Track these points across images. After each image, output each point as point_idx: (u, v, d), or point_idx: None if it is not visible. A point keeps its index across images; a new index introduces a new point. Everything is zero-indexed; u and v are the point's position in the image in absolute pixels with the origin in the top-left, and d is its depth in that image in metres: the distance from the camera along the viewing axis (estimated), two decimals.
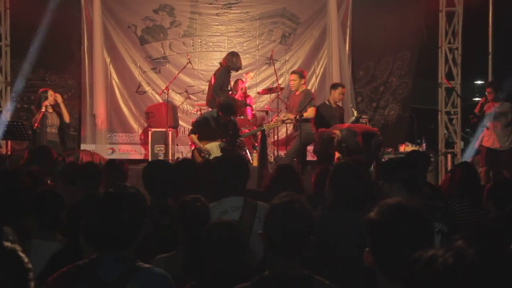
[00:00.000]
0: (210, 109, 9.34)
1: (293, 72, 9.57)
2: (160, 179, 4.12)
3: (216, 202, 3.65)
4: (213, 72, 10.13)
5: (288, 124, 10.85)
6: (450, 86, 11.17)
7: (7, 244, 1.69)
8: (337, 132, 8.52)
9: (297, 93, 9.34)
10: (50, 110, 9.14)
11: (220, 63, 10.03)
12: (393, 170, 3.60)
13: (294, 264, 2.47)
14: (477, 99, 20.27)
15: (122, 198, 2.45)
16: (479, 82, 19.02)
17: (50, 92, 9.26)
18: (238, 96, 9.93)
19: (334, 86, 9.73)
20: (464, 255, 1.35)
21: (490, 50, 11.01)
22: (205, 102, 10.21)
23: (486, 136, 9.74)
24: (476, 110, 9.87)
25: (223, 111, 8.29)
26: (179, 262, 3.23)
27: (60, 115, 9.18)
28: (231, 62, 9.85)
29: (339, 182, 3.60)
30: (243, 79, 10.42)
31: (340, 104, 9.73)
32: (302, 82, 9.33)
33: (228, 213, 3.55)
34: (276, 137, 10.40)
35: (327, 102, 9.63)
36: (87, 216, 2.51)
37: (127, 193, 2.48)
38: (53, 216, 3.55)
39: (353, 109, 10.30)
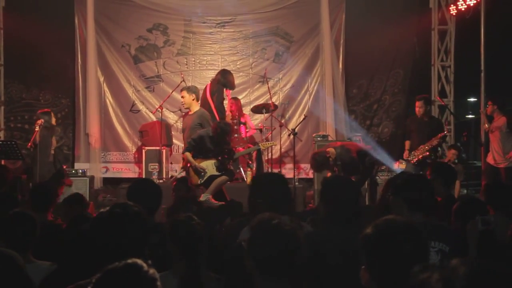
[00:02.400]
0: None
1: (183, 89, 9.16)
2: (146, 196, 4.14)
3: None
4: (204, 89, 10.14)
5: (282, 142, 10.86)
6: (443, 103, 11.20)
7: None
8: (331, 150, 8.44)
9: (190, 113, 9.12)
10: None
11: (213, 80, 10.04)
12: (397, 187, 3.49)
13: (281, 284, 2.36)
14: (470, 116, 20.44)
15: (129, 216, 2.53)
16: (472, 99, 19.12)
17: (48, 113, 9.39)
18: (233, 113, 10.01)
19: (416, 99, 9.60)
20: (454, 275, 1.35)
21: (482, 67, 11.06)
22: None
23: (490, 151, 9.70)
24: (486, 126, 9.83)
25: (218, 137, 8.26)
26: (172, 282, 3.21)
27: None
28: (227, 80, 9.89)
29: (331, 196, 3.46)
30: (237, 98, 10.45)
31: (424, 117, 9.38)
32: (192, 98, 8.95)
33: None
34: (270, 155, 10.39)
35: (414, 115, 9.61)
36: (94, 235, 2.54)
37: (133, 211, 2.56)
38: (26, 238, 3.51)
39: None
